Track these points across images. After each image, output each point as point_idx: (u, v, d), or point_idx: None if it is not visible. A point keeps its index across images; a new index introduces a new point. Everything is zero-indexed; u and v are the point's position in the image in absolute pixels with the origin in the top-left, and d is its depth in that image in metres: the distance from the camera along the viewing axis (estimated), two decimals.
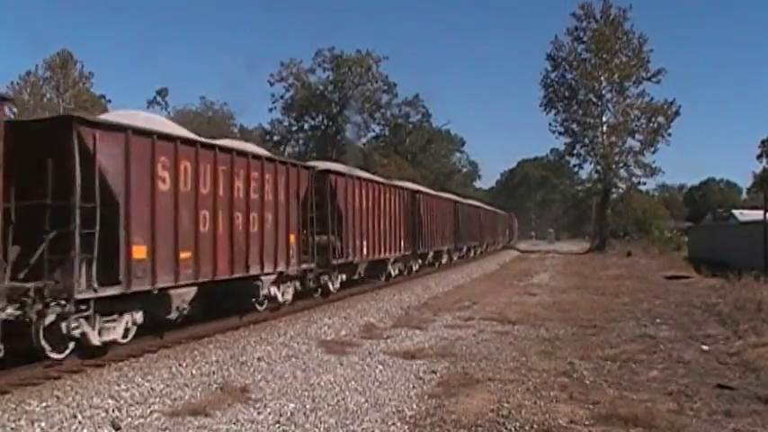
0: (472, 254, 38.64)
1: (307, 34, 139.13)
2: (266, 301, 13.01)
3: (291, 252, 13.40)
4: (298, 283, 14.31)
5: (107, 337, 8.85)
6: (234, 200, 11.27)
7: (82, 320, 8.30)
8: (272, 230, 12.55)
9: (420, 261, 25.13)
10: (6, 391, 7.33)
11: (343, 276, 16.86)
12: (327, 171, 16.41)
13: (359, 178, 18.14)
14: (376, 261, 19.25)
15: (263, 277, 12.39)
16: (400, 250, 21.49)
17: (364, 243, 17.79)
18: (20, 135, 7.81)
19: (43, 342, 7.91)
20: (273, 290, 13.07)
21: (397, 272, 21.96)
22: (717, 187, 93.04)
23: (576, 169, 56.17)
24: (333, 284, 16.14)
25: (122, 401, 7.13)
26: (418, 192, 25.39)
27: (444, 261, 30.00)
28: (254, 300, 12.52)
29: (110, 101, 55.71)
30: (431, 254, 26.78)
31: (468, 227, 36.23)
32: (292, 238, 13.42)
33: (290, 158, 15.43)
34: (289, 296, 13.90)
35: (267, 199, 12.41)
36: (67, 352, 8.37)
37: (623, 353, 9.94)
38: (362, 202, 17.89)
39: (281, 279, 13.29)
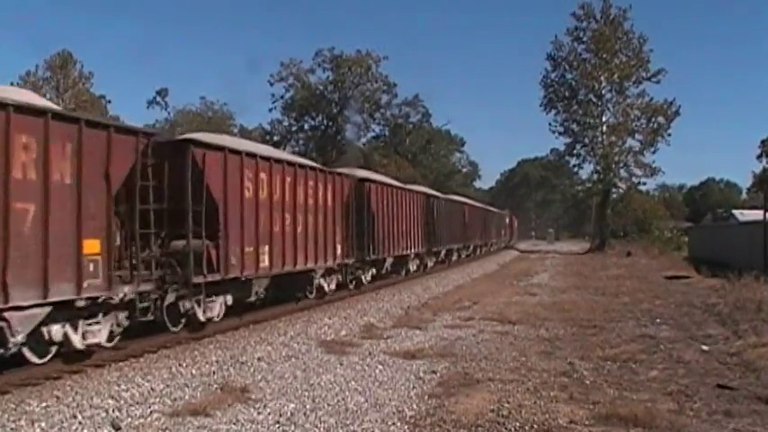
0: (455, 258, 33.30)
1: (307, 34, 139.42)
2: (52, 349, 8.32)
3: (91, 268, 8.31)
4: (123, 316, 9.15)
5: None
6: None
7: None
8: (35, 232, 7.61)
9: (373, 270, 19.71)
10: (6, 391, 7.34)
11: (229, 299, 11.71)
12: (188, 142, 10.76)
13: (254, 156, 12.26)
14: (293, 274, 13.93)
15: (11, 314, 7.36)
16: (335, 258, 15.93)
17: (265, 249, 12.39)
18: None
19: None
20: (54, 330, 8.08)
21: (333, 286, 16.51)
22: (717, 187, 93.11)
23: (575, 169, 56.15)
24: (207, 311, 11.07)
25: (122, 401, 7.14)
26: (367, 181, 19.37)
27: (413, 269, 24.69)
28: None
29: (110, 101, 55.83)
30: (389, 260, 21.02)
31: (449, 226, 30.67)
32: (92, 245, 8.32)
33: (88, 115, 9.82)
34: (100, 338, 8.78)
35: (23, 178, 7.49)
36: None
37: (623, 353, 9.94)
38: (263, 192, 12.42)
39: (80, 312, 8.34)
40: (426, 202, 26.66)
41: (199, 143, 10.97)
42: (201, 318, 10.95)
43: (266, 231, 12.53)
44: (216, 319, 11.42)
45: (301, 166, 14.63)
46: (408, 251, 23.26)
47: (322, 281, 15.71)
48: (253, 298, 12.74)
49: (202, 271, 10.54)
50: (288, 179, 13.48)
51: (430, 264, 27.62)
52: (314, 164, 16.71)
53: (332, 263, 15.86)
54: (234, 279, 11.55)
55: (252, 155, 12.29)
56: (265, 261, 12.51)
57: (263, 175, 12.47)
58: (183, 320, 10.76)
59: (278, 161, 13.39)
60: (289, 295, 14.65)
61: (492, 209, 52.43)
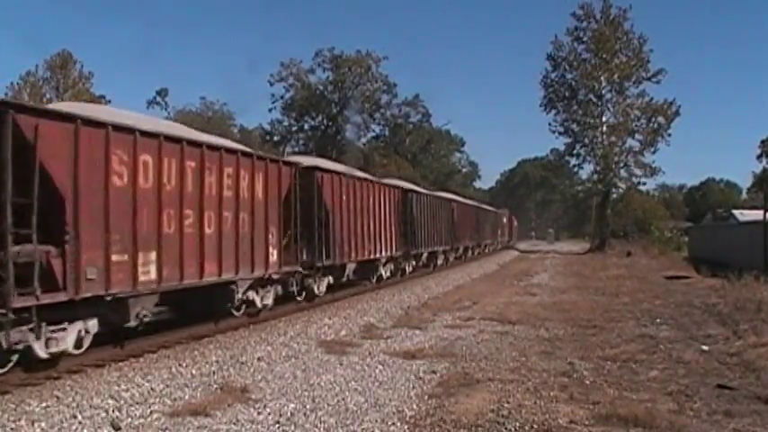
0: (440, 261, 29.53)
1: (307, 34, 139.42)
2: None
3: None
4: None
5: None
6: None
7: None
8: None
9: (330, 278, 16.30)
10: (6, 391, 7.33)
11: (92, 325, 8.64)
12: (6, 105, 7.60)
13: (131, 131, 9.05)
14: (202, 288, 10.66)
15: None
16: (268, 266, 12.58)
17: (151, 257, 9.30)
18: None
19: None
20: None
21: (270, 301, 13.22)
22: (717, 187, 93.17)
23: (575, 169, 56.21)
24: (53, 344, 8.00)
25: (122, 401, 7.14)
26: (316, 169, 15.62)
27: (386, 275, 21.04)
28: None
29: (110, 101, 55.75)
30: (351, 266, 17.57)
31: (433, 226, 27.23)
32: None
33: None
34: None
35: None
36: None
37: (623, 353, 9.94)
38: (146, 180, 9.28)
39: None
40: (403, 198, 23.05)
41: (26, 108, 7.98)
42: (42, 354, 7.90)
43: (152, 233, 9.36)
44: (74, 353, 8.45)
45: (213, 147, 11.08)
46: (378, 255, 19.62)
47: (252, 294, 12.44)
48: (133, 322, 9.38)
49: (34, 289, 7.52)
50: (190, 164, 10.19)
51: (408, 269, 24.20)
52: (236, 145, 13.02)
53: (263, 272, 12.44)
54: (95, 299, 8.42)
55: (127, 129, 9.02)
56: (151, 273, 9.33)
57: (146, 158, 9.29)
58: (15, 357, 7.71)
59: (172, 139, 9.97)
60: (202, 314, 11.66)
61: (487, 207, 49.61)
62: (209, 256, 10.62)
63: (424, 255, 26.50)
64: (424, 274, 25.66)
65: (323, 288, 16.00)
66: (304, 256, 14.49)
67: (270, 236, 12.62)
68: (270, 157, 13.28)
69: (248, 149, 13.09)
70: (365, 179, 19.68)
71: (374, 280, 20.11)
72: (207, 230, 10.61)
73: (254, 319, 12.87)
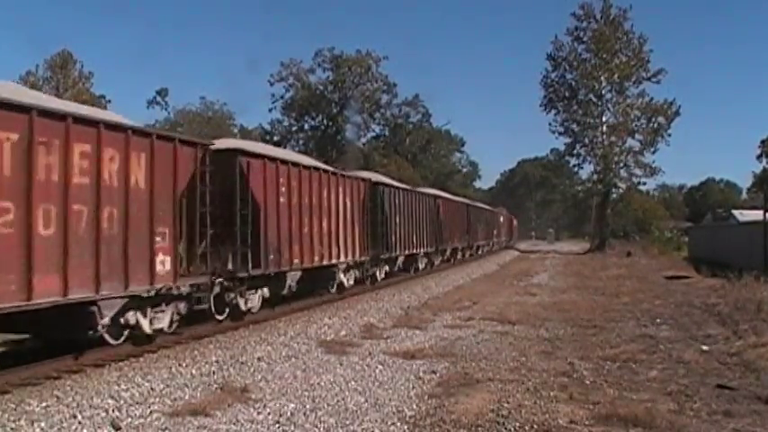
0: (423, 265, 26.36)
1: (307, 34, 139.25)
2: None
3: None
4: None
5: None
6: None
7: None
8: None
9: (265, 291, 13.17)
10: (6, 391, 7.34)
11: None
12: None
13: None
14: (33, 313, 7.69)
15: None
16: (153, 279, 9.47)
17: None
18: None
19: None
20: None
21: (166, 323, 10.04)
22: (717, 187, 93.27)
23: (575, 169, 56.24)
24: None
25: (122, 401, 7.14)
26: (241, 154, 12.30)
27: (349, 283, 17.83)
28: None
29: (110, 101, 55.79)
30: (294, 275, 14.18)
31: (413, 225, 23.89)
32: None
33: None
34: None
35: None
36: None
37: (623, 353, 9.94)
38: None
39: None
40: (371, 193, 19.47)
41: None
42: None
43: None
44: None
45: (51, 114, 7.89)
46: (335, 260, 16.30)
47: (136, 316, 9.37)
48: None
49: None
50: (7, 136, 7.24)
51: (380, 275, 20.72)
52: (99, 113, 10.28)
53: (147, 286, 9.35)
54: None
55: None
56: None
57: None
58: None
59: (16, 108, 7.31)
60: (61, 343, 9.03)
61: (480, 205, 46.55)
62: (44, 268, 7.59)
63: (400, 259, 22.82)
64: (424, 275, 25.65)
65: (255, 303, 12.83)
66: (229, 265, 11.67)
67: (157, 238, 9.48)
68: (158, 134, 10.00)
69: (119, 120, 9.58)
70: (316, 168, 15.75)
71: (334, 289, 17.04)
72: (41, 231, 7.59)
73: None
